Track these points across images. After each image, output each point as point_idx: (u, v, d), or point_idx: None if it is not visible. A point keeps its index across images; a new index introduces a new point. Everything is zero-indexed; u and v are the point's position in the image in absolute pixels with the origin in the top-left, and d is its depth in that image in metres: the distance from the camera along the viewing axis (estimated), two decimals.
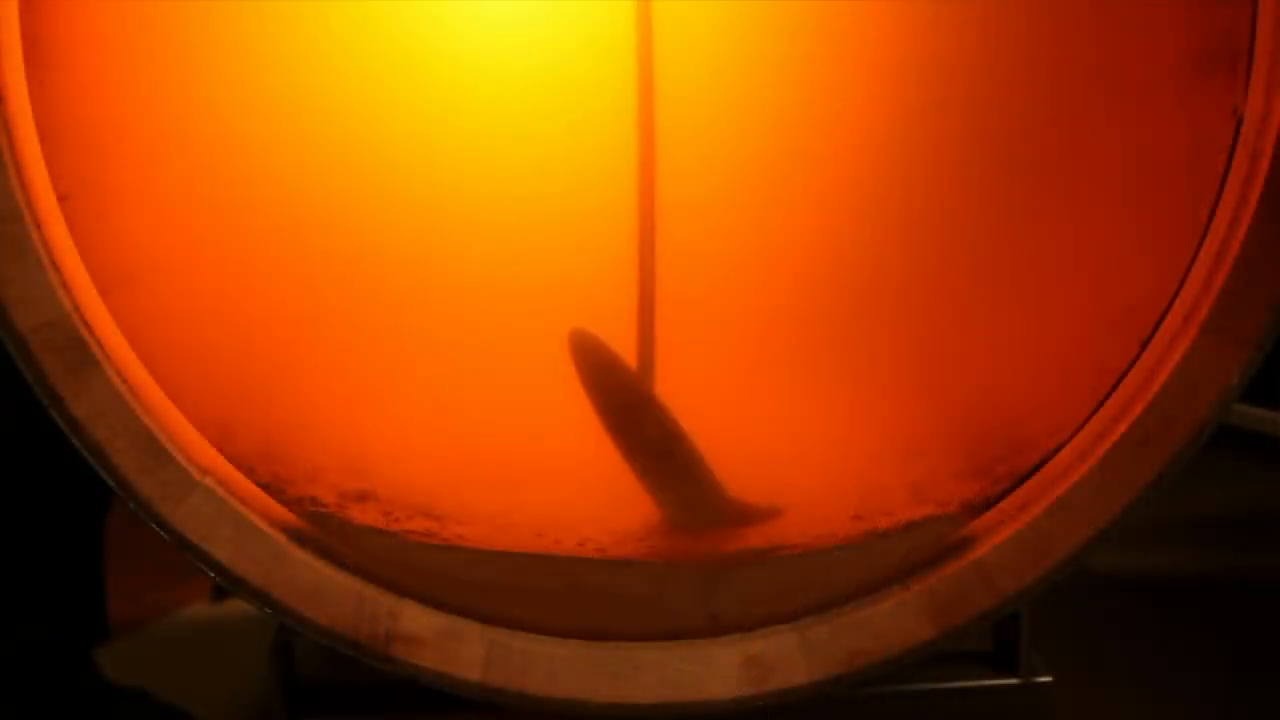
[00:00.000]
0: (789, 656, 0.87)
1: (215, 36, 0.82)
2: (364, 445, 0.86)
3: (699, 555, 0.89)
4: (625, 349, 0.88)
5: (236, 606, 1.23)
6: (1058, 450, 0.90)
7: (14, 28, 0.77)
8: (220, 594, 1.27)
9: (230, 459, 0.84)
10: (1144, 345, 0.90)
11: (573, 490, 0.87)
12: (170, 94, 0.82)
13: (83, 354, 0.77)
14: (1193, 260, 0.89)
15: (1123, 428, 0.88)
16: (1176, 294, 0.89)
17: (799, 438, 0.91)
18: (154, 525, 0.79)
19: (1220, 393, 0.85)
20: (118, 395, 0.78)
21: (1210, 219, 0.88)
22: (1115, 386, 0.90)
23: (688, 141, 0.87)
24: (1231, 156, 0.87)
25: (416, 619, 0.84)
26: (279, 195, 0.84)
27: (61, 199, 0.80)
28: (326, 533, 0.85)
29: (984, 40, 0.89)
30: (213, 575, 0.81)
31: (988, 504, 0.91)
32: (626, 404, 0.87)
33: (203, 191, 0.83)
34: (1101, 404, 0.90)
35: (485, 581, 0.86)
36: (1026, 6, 0.89)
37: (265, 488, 0.84)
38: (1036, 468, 0.91)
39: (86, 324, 0.78)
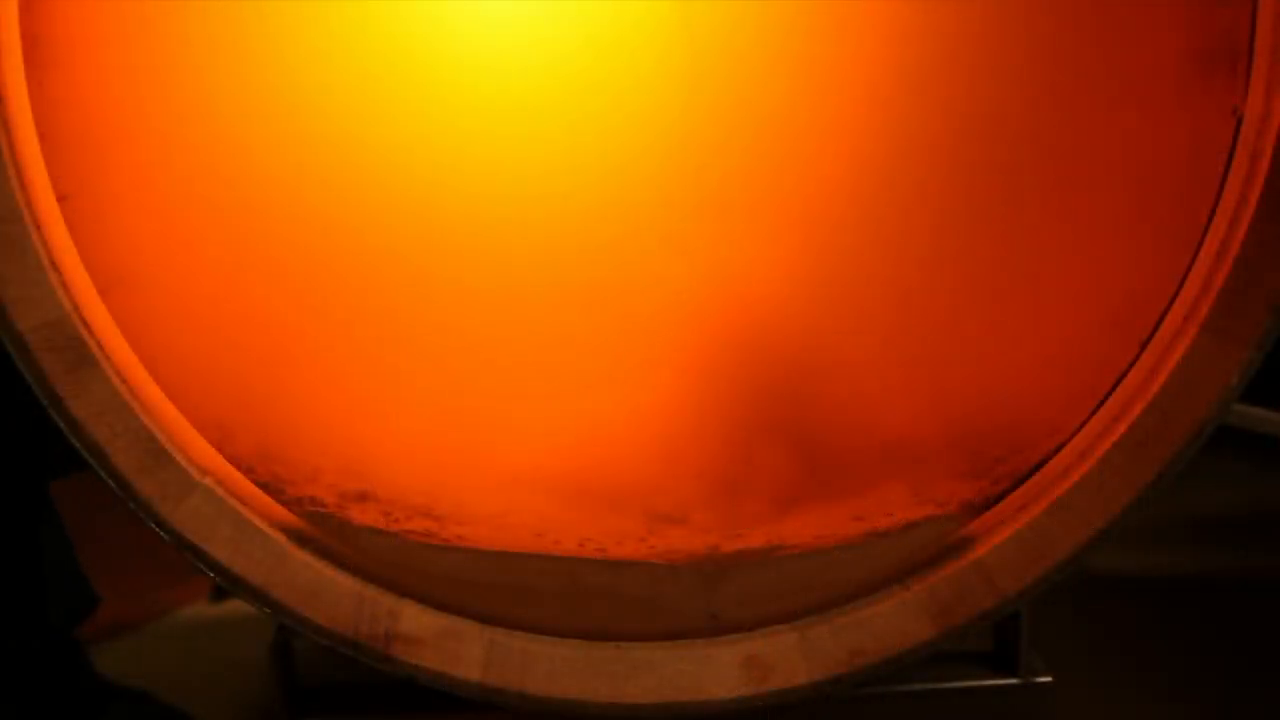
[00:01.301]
0: (789, 656, 0.87)
1: (215, 37, 0.82)
2: (363, 446, 0.86)
3: (699, 555, 0.89)
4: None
5: (236, 607, 1.22)
6: (1058, 450, 0.91)
7: (14, 28, 0.77)
8: (220, 594, 1.27)
9: (230, 459, 0.84)
10: (1144, 345, 0.90)
11: (573, 490, 0.87)
12: (170, 94, 0.82)
13: (82, 354, 0.77)
14: (1193, 260, 0.89)
15: (1123, 428, 0.88)
16: (1176, 294, 0.89)
17: None
18: (153, 525, 0.79)
19: (1220, 393, 0.85)
20: (117, 395, 0.78)
21: (1210, 219, 0.88)
22: (1115, 386, 0.90)
23: (687, 144, 0.87)
24: (1231, 156, 0.87)
25: (416, 619, 0.84)
26: (278, 195, 0.84)
27: (61, 199, 0.80)
28: (326, 533, 0.85)
29: (983, 40, 0.89)
30: (212, 575, 0.81)
31: (988, 504, 0.91)
32: None
33: (202, 192, 0.83)
34: (1101, 404, 0.90)
35: (485, 581, 0.86)
36: (1026, 6, 0.89)
37: (265, 488, 0.84)
38: (1036, 468, 0.91)
39: (86, 324, 0.78)
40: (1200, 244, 0.88)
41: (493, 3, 0.84)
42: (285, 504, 0.85)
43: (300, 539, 0.84)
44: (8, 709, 1.02)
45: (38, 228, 0.76)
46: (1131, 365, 0.90)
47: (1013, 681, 0.96)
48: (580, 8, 0.84)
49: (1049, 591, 0.88)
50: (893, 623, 0.88)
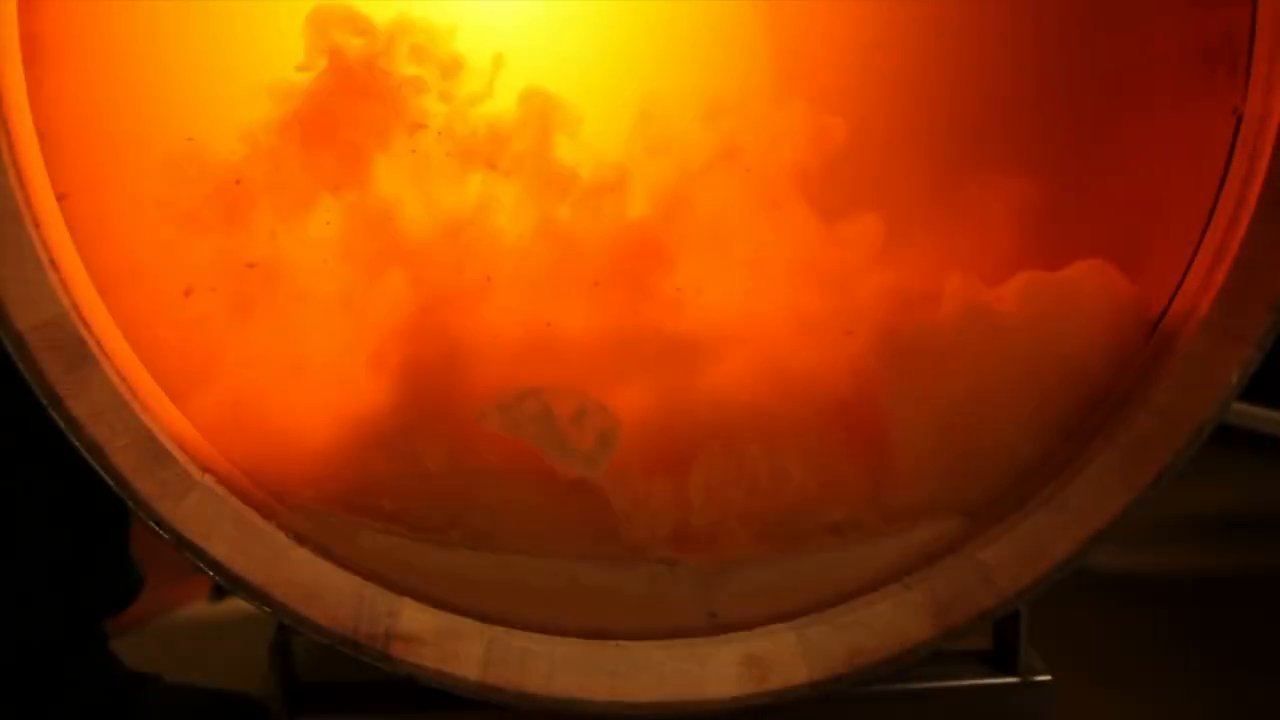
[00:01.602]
0: (788, 656, 0.87)
1: (214, 35, 0.82)
2: (363, 444, 0.86)
3: (699, 555, 0.89)
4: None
5: (236, 606, 1.23)
6: (1058, 449, 0.91)
7: (13, 26, 0.77)
8: (219, 593, 1.27)
9: (229, 458, 0.84)
10: (1144, 344, 0.90)
11: (573, 488, 0.87)
12: (168, 92, 0.82)
13: (81, 352, 0.77)
14: (1192, 258, 0.89)
15: (1122, 429, 0.88)
16: (1176, 292, 0.89)
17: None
18: (153, 524, 0.79)
19: (1220, 392, 0.85)
20: (116, 394, 0.78)
21: (1210, 217, 0.88)
22: (1115, 386, 0.90)
23: None
24: (1231, 155, 0.87)
25: (415, 618, 0.84)
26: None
27: (60, 198, 0.80)
28: (326, 532, 0.85)
29: (985, 39, 0.89)
30: (212, 574, 0.81)
31: (987, 504, 0.91)
32: None
33: (200, 190, 0.83)
34: (1101, 403, 0.90)
35: (485, 581, 0.86)
36: (1026, 6, 0.89)
37: (264, 486, 0.84)
38: (1036, 468, 0.91)
39: (85, 322, 0.78)
40: (1200, 242, 0.88)
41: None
42: (285, 503, 0.85)
43: (300, 537, 0.84)
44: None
45: (36, 226, 0.76)
46: (1132, 364, 0.90)
47: (1012, 680, 0.96)
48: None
49: (1048, 591, 0.88)
50: (892, 622, 0.88)
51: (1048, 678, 0.96)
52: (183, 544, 0.80)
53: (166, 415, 0.82)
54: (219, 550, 0.81)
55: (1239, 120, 0.87)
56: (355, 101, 0.82)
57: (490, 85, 0.83)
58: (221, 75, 0.82)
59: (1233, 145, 0.87)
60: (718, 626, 0.88)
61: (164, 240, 0.83)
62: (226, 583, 0.81)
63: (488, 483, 0.86)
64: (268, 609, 0.82)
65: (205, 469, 0.82)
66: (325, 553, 0.84)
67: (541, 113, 0.83)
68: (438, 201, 0.84)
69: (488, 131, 0.83)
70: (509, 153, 0.84)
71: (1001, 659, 0.96)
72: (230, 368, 0.84)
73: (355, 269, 0.84)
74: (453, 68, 0.83)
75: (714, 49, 0.87)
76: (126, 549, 1.05)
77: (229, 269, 0.83)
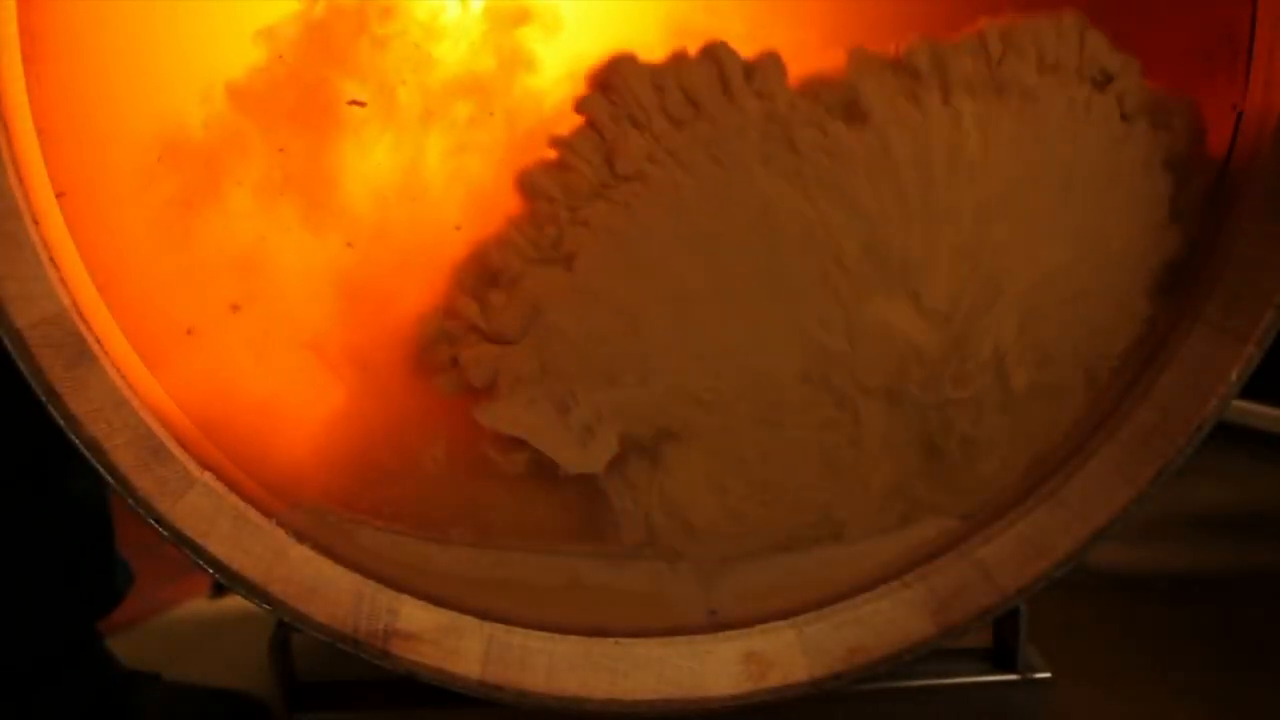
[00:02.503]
0: (788, 653, 0.87)
1: (213, 33, 0.82)
2: (363, 443, 0.86)
3: (698, 552, 0.89)
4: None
5: (235, 603, 1.22)
6: (1057, 448, 0.91)
7: (11, 23, 0.77)
8: (219, 590, 1.27)
9: (229, 455, 0.84)
10: (1144, 341, 0.90)
11: (572, 489, 0.87)
12: (167, 91, 0.82)
13: (80, 349, 0.77)
14: (1193, 256, 0.89)
15: (1123, 426, 0.88)
16: (1176, 290, 0.89)
17: None
18: (152, 522, 0.79)
19: (1221, 390, 0.85)
20: (115, 391, 0.78)
21: (1210, 215, 0.88)
22: (1115, 384, 0.90)
23: None
24: (1231, 153, 0.87)
25: (415, 616, 0.84)
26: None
27: (58, 196, 0.80)
28: (325, 529, 0.85)
29: None
30: (211, 571, 0.81)
31: (987, 503, 0.91)
32: None
33: (199, 188, 0.83)
34: (1101, 401, 0.90)
35: (484, 578, 0.87)
36: (1029, 5, 0.89)
37: (263, 484, 0.84)
38: (1036, 466, 0.91)
39: (84, 320, 0.78)
40: (1200, 240, 0.88)
41: None
42: (284, 500, 0.85)
43: (299, 535, 0.84)
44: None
45: (36, 224, 0.76)
46: (1132, 362, 0.90)
47: (1012, 678, 0.96)
48: None
49: (1048, 589, 0.88)
50: (892, 620, 0.88)
51: (1047, 675, 0.96)
52: (182, 541, 0.80)
53: (165, 413, 0.82)
54: (218, 548, 0.81)
55: (1239, 118, 0.87)
56: (326, 63, 0.81)
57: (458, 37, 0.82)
58: (210, 69, 0.82)
59: (1233, 142, 0.87)
60: (717, 624, 0.88)
61: (163, 237, 0.82)
62: (226, 580, 0.81)
63: (488, 480, 0.86)
64: (267, 606, 0.82)
65: (204, 466, 0.82)
66: (325, 550, 0.84)
67: (512, 18, 0.82)
68: (413, 164, 0.83)
69: (458, 79, 0.82)
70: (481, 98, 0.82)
71: (1001, 656, 0.97)
72: (228, 364, 0.84)
73: (327, 247, 0.84)
74: (432, 29, 0.82)
75: None
76: (111, 549, 1.05)
77: (219, 263, 0.83)
